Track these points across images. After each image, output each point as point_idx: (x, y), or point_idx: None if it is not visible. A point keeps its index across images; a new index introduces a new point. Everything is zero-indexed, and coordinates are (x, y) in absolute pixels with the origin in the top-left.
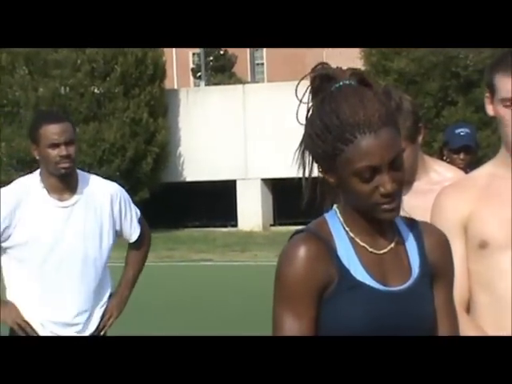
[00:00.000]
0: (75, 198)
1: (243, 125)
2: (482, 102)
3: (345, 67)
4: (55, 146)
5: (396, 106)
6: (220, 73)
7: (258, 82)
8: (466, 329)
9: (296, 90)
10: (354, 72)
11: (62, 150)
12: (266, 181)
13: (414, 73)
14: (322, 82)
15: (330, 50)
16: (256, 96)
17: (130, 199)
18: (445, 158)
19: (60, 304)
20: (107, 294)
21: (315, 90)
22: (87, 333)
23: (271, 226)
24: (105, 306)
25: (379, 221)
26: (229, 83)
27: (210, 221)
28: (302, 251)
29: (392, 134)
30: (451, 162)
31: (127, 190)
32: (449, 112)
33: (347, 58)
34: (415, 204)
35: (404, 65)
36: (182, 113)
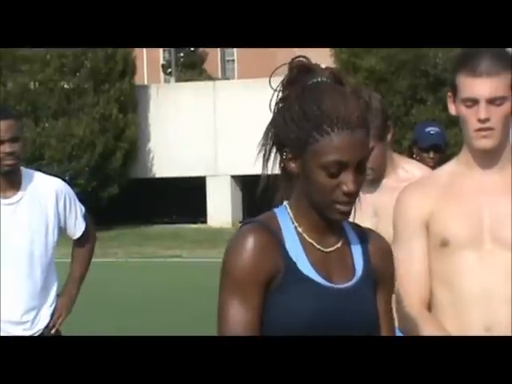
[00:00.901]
0: (19, 194)
1: (213, 121)
2: None
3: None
4: (0, 142)
5: (365, 105)
6: (190, 69)
7: (228, 79)
8: (427, 327)
9: (270, 79)
10: (332, 71)
11: (7, 147)
12: (235, 177)
13: (384, 71)
14: (300, 72)
15: None
16: (226, 93)
17: (74, 195)
18: (414, 156)
19: (6, 302)
20: (54, 291)
21: (291, 80)
22: (35, 330)
23: (240, 222)
24: (54, 305)
25: (329, 220)
26: (199, 80)
27: (180, 217)
28: (250, 241)
29: (365, 135)
30: (421, 161)
31: (96, 186)
32: (418, 110)
33: (318, 56)
34: (383, 201)
35: (374, 63)
36: (152, 109)
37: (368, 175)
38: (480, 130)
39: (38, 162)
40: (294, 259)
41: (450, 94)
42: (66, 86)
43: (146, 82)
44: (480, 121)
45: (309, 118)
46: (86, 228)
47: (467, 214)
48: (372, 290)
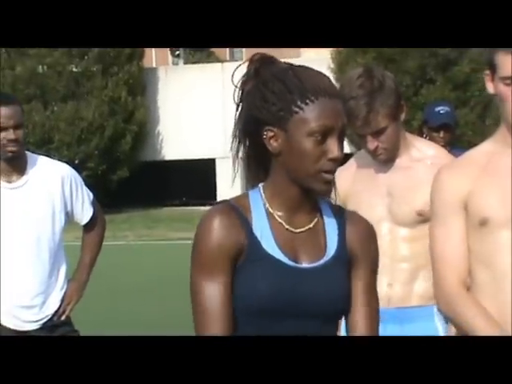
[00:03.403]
0: (24, 179)
1: (222, 103)
2: (459, 80)
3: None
4: (3, 129)
5: (378, 85)
6: (198, 51)
7: (236, 61)
8: (466, 308)
9: (233, 75)
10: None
11: (10, 134)
12: None
13: (393, 51)
14: (261, 64)
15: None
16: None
17: (81, 181)
18: (424, 135)
19: (15, 287)
20: (63, 276)
21: (254, 72)
22: (44, 315)
23: None
24: (64, 290)
25: (305, 199)
26: (207, 62)
27: (189, 199)
28: (214, 220)
29: (343, 108)
30: (431, 140)
31: (106, 169)
32: (427, 90)
33: None
34: (396, 181)
35: None
36: (161, 91)
37: (381, 154)
38: None
39: (48, 146)
40: (259, 238)
41: (487, 72)
42: (74, 69)
43: (154, 65)
44: None
45: (291, 89)
46: (93, 214)
47: (505, 192)
48: (344, 271)
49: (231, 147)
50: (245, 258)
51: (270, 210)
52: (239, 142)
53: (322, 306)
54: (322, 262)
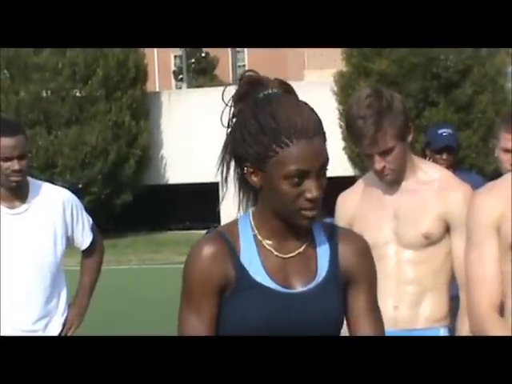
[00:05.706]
0: (26, 205)
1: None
2: (462, 102)
3: (326, 68)
4: (8, 159)
5: (387, 105)
6: (202, 75)
7: None
8: (496, 331)
9: (222, 95)
10: (280, 81)
11: (15, 165)
12: None
13: (395, 74)
14: (249, 87)
15: (312, 51)
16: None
17: (82, 206)
18: (427, 158)
19: (17, 311)
20: (64, 300)
21: (242, 94)
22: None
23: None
24: (65, 314)
25: (293, 226)
26: (210, 85)
27: (193, 223)
28: (202, 251)
29: (322, 142)
30: (434, 163)
31: (110, 193)
32: (430, 113)
33: (328, 59)
34: (403, 203)
35: (385, 66)
36: (164, 115)
37: (388, 175)
38: None
39: (51, 171)
40: (247, 267)
41: None
42: (78, 93)
43: (157, 89)
44: None
45: (265, 131)
46: (93, 239)
47: None
48: (337, 293)
49: (218, 170)
50: (233, 287)
51: (259, 237)
52: (227, 167)
53: (315, 329)
54: (312, 284)
